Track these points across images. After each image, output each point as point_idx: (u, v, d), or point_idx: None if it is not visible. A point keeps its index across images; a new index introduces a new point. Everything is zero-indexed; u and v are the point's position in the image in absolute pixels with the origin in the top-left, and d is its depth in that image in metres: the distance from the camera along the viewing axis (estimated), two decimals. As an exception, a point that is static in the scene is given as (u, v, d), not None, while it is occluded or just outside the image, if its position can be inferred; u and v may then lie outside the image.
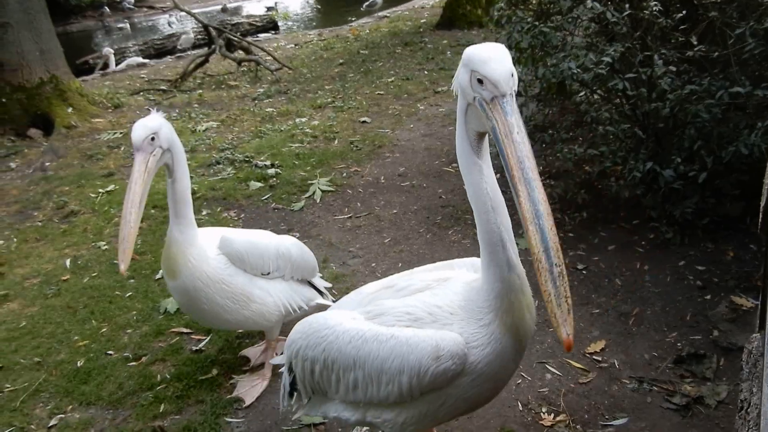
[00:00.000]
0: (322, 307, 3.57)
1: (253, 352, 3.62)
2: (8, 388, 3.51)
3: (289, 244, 3.35)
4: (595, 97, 4.85)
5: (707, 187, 4.08)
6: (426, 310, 2.14)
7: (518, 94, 4.79)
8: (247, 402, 3.28)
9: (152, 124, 2.90)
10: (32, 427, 3.23)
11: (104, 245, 5.02)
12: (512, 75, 1.81)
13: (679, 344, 3.39)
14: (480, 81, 1.81)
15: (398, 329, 2.11)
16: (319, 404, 2.42)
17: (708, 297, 3.72)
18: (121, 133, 7.87)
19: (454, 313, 2.12)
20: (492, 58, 1.79)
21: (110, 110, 8.88)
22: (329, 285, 3.74)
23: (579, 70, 4.13)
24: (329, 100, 8.55)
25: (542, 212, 1.69)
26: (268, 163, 6.28)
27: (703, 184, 3.95)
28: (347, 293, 4.05)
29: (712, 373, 3.17)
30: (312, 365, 2.27)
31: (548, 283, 1.64)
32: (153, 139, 2.88)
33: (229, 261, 3.09)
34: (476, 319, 2.08)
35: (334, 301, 3.70)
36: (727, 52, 3.92)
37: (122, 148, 7.35)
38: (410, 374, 2.04)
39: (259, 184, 5.86)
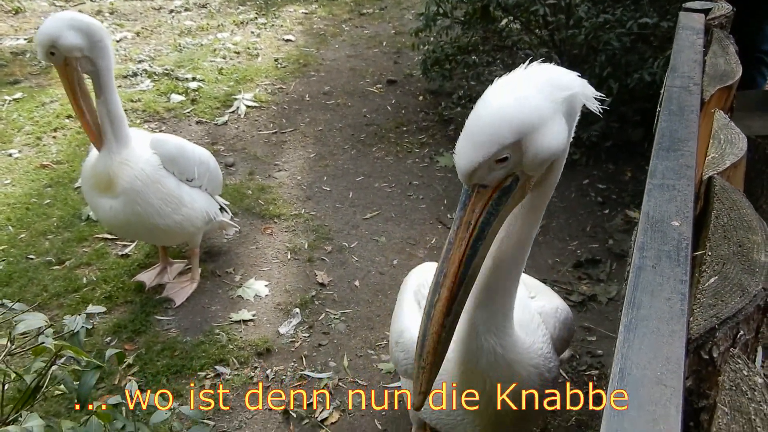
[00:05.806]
0: (224, 225, 3.62)
1: (147, 276, 3.52)
2: (-77, 290, 3.43)
3: (207, 153, 3.37)
4: (517, 26, 5.03)
5: (613, 113, 4.41)
6: None
7: (444, 15, 4.89)
8: (177, 302, 3.37)
9: (48, 31, 2.59)
10: (-47, 326, 3.19)
11: (16, 153, 4.81)
12: (477, 168, 1.27)
13: (578, 251, 3.76)
14: None
15: (410, 298, 2.08)
16: None
17: (606, 211, 4.10)
18: (24, 39, 7.34)
19: None
20: (464, 135, 1.28)
21: (11, 14, 8.22)
22: (228, 203, 3.75)
23: (502, -7, 4.28)
24: (252, 16, 8.29)
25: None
26: (189, 76, 6.12)
27: (608, 110, 4.27)
28: (274, 203, 4.19)
29: (605, 276, 3.56)
30: None
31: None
32: (53, 53, 2.65)
33: (161, 162, 3.05)
34: None
35: (232, 218, 3.75)
36: (639, -16, 4.18)
37: (27, 55, 6.88)
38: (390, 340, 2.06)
39: (181, 98, 5.73)
